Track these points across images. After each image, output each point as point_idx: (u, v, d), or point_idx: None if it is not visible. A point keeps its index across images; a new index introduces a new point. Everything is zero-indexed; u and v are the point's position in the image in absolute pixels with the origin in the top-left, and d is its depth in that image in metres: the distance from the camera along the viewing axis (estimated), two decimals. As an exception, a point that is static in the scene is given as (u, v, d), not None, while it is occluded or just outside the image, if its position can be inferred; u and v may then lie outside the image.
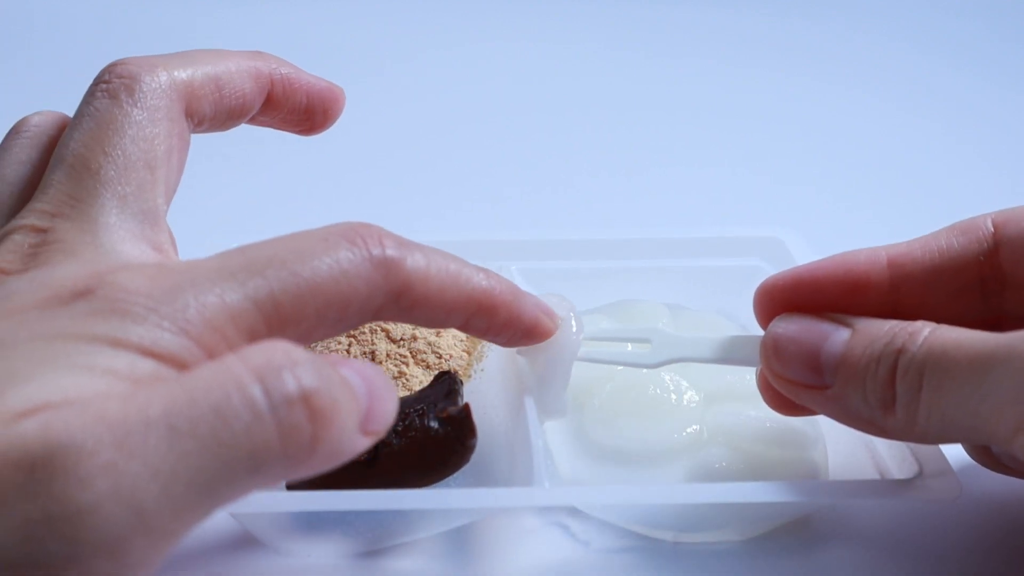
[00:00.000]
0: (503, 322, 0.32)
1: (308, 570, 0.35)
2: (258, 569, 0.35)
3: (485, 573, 0.35)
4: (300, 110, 0.37)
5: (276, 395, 0.23)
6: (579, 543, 0.37)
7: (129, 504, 0.21)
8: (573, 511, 0.37)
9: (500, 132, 0.74)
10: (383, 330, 0.42)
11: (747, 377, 0.41)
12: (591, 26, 0.94)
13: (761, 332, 0.35)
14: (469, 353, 0.44)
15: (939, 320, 0.31)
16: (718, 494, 0.34)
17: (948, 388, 0.29)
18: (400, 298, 0.28)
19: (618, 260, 0.48)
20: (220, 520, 0.36)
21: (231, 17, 0.90)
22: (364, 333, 0.42)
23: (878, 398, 0.31)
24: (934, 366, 0.30)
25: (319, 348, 0.42)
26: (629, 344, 0.39)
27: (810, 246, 0.47)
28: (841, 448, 0.38)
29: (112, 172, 0.30)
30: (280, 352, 0.23)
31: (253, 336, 0.25)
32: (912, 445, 0.35)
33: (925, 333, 0.30)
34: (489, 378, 0.42)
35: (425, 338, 0.43)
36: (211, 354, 0.25)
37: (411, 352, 0.42)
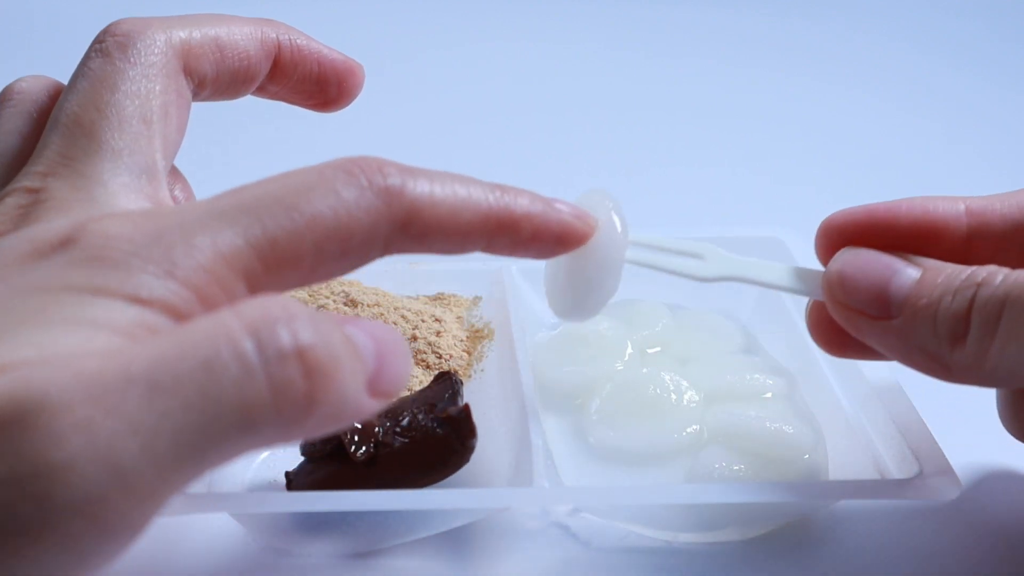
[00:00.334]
0: (529, 236, 0.29)
1: (308, 570, 0.35)
2: (258, 569, 0.35)
3: (485, 573, 0.35)
4: (312, 80, 0.35)
5: (269, 349, 0.22)
6: (579, 543, 0.37)
7: (106, 462, 0.20)
8: (573, 511, 0.37)
9: (500, 132, 0.74)
10: (383, 330, 0.42)
11: (747, 377, 0.41)
12: (591, 26, 0.94)
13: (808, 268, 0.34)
14: (469, 353, 0.44)
15: None
16: (718, 494, 0.34)
17: None
18: (408, 226, 0.26)
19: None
20: (220, 520, 0.36)
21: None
22: (364, 333, 0.42)
23: (949, 329, 0.30)
24: (1015, 301, 0.29)
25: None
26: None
27: (810, 246, 0.47)
28: (841, 448, 0.38)
29: (105, 127, 0.29)
30: (277, 306, 0.22)
31: (249, 277, 0.24)
32: (913, 444, 0.35)
33: (1006, 271, 0.30)
34: (489, 378, 0.42)
35: (425, 338, 0.43)
36: (204, 298, 0.24)
37: (411, 352, 0.42)
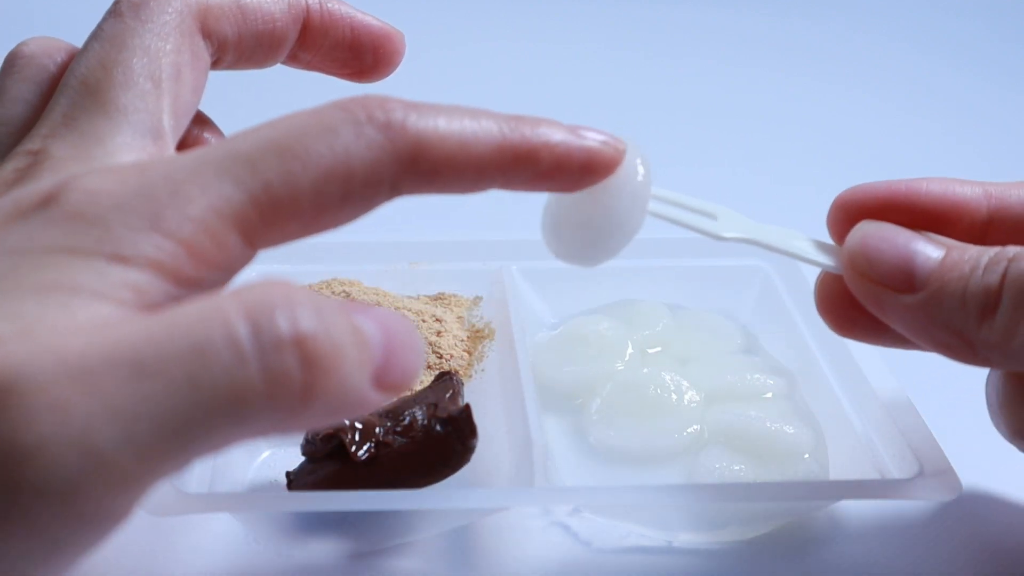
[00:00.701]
0: (550, 167, 0.27)
1: (308, 570, 0.35)
2: (258, 569, 0.35)
3: (485, 573, 0.35)
4: (345, 47, 0.33)
5: (265, 336, 0.20)
6: (579, 543, 0.37)
7: (80, 445, 0.19)
8: (573, 511, 0.37)
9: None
10: (383, 330, 0.42)
11: (747, 377, 0.41)
12: (591, 26, 0.94)
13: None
14: (470, 353, 0.44)
15: None
16: (718, 494, 0.34)
17: None
18: (416, 163, 0.24)
19: (618, 260, 0.47)
20: (220, 520, 0.36)
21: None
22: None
23: (979, 303, 0.29)
24: None
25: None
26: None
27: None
28: (841, 448, 0.38)
29: (109, 85, 0.27)
30: (279, 291, 0.21)
31: (244, 227, 0.23)
32: (913, 444, 0.35)
33: None
34: (489, 378, 0.42)
35: (426, 338, 0.43)
36: (194, 253, 0.22)
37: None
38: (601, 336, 0.43)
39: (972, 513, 0.38)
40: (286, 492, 0.36)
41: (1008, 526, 0.38)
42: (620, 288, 0.47)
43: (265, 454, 0.40)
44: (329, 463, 0.35)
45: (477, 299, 0.47)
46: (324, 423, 0.22)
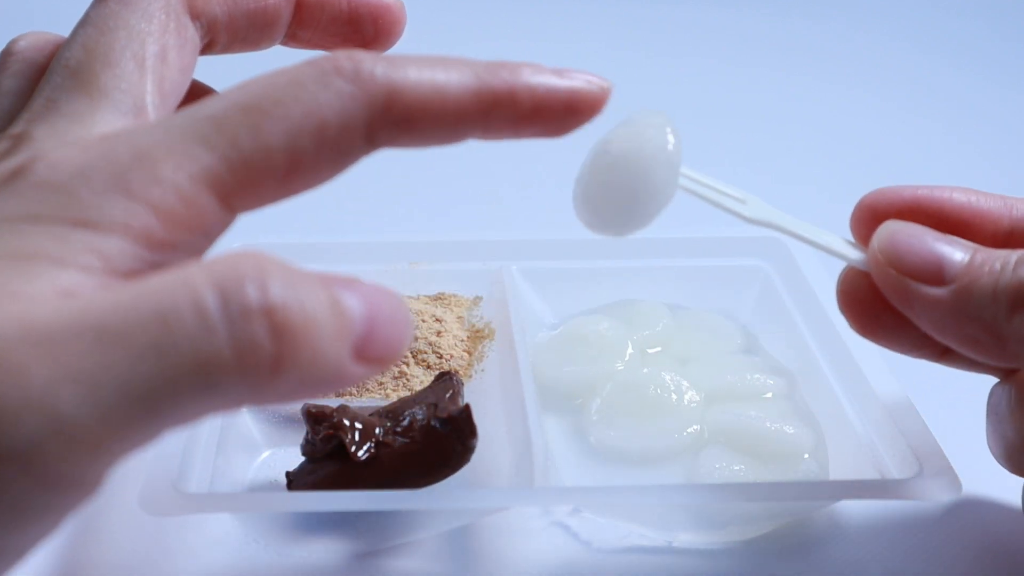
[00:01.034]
0: (531, 108, 0.26)
1: (308, 570, 0.35)
2: (258, 569, 0.35)
3: (485, 573, 0.35)
4: (343, 20, 0.33)
5: (233, 305, 0.20)
6: (579, 543, 0.37)
7: (41, 408, 0.19)
8: (573, 511, 0.37)
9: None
10: (383, 330, 0.42)
11: (747, 377, 0.41)
12: (591, 26, 0.94)
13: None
14: (469, 353, 0.44)
15: None
16: (718, 494, 0.34)
17: None
18: (389, 109, 0.24)
19: (618, 260, 0.48)
20: (220, 520, 0.36)
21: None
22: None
23: (1011, 295, 0.29)
24: None
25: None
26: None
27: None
28: (841, 448, 0.38)
29: (90, 67, 0.27)
30: (251, 260, 0.21)
31: (218, 188, 0.22)
32: (913, 444, 0.35)
33: None
34: (489, 378, 0.42)
35: (426, 338, 0.43)
36: (165, 215, 0.22)
37: (411, 352, 0.42)
38: (601, 336, 0.43)
39: (972, 513, 0.38)
40: (286, 492, 0.36)
41: (1008, 526, 0.38)
42: (620, 288, 0.47)
43: (265, 454, 0.40)
44: (329, 463, 0.35)
45: (477, 299, 0.47)
46: (302, 395, 0.21)
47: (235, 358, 0.20)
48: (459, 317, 0.46)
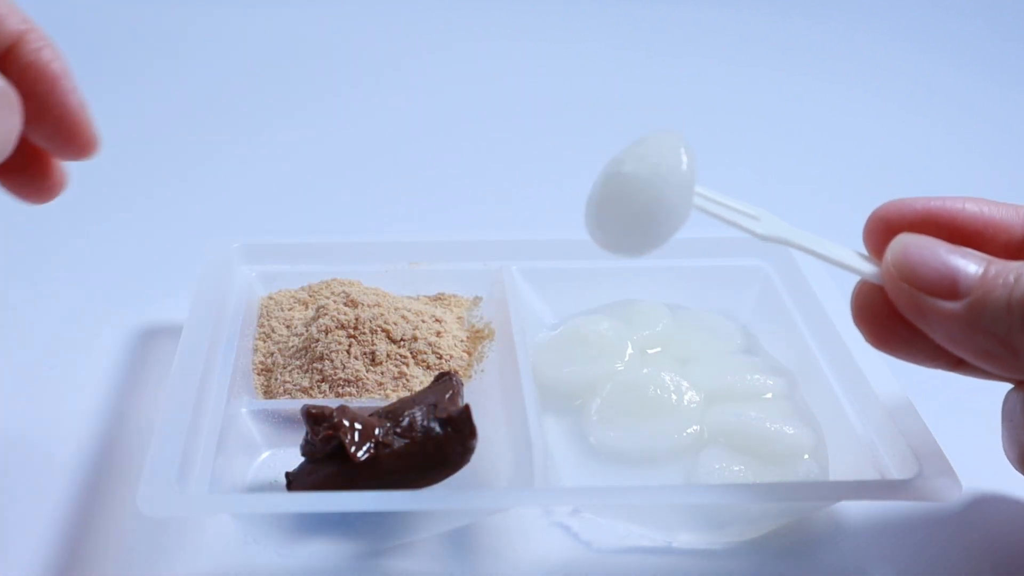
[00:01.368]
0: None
1: (308, 570, 0.35)
2: (258, 569, 0.35)
3: (485, 573, 0.35)
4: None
5: None
6: (579, 543, 0.37)
7: None
8: (573, 511, 0.37)
9: (500, 132, 0.73)
10: (384, 330, 0.42)
11: (747, 377, 0.41)
12: (591, 26, 0.94)
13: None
14: (469, 353, 0.44)
15: None
16: (718, 495, 0.34)
17: None
18: None
19: (618, 260, 0.47)
20: (220, 520, 0.36)
21: (231, 17, 0.90)
22: (365, 334, 0.42)
23: None
24: None
25: (328, 350, 0.42)
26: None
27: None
28: (841, 448, 0.38)
29: None
30: None
31: None
32: (913, 444, 0.35)
33: None
34: (489, 378, 0.42)
35: (425, 338, 0.43)
36: None
37: (411, 352, 0.42)
38: (601, 336, 0.43)
39: (972, 514, 0.38)
40: (286, 492, 0.36)
41: (1008, 527, 0.38)
42: (620, 288, 0.47)
43: (265, 455, 0.40)
44: (329, 463, 0.35)
45: (477, 299, 0.47)
46: None
47: None
48: (459, 317, 0.46)
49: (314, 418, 0.36)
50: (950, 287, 0.30)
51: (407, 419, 0.36)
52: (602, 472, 0.39)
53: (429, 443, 0.35)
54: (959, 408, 0.39)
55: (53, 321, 0.48)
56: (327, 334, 0.42)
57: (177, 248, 0.55)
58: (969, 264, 0.31)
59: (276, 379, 0.42)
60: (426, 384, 0.40)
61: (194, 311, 0.41)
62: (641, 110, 0.78)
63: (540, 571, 0.36)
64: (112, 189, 0.61)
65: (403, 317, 0.43)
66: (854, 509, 0.38)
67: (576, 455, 0.39)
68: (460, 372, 0.42)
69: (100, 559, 0.35)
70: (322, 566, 0.35)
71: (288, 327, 0.45)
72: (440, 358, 0.43)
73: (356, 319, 0.43)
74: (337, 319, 0.43)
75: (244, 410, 0.40)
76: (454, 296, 0.47)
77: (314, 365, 0.42)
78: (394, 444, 0.35)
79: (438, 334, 0.43)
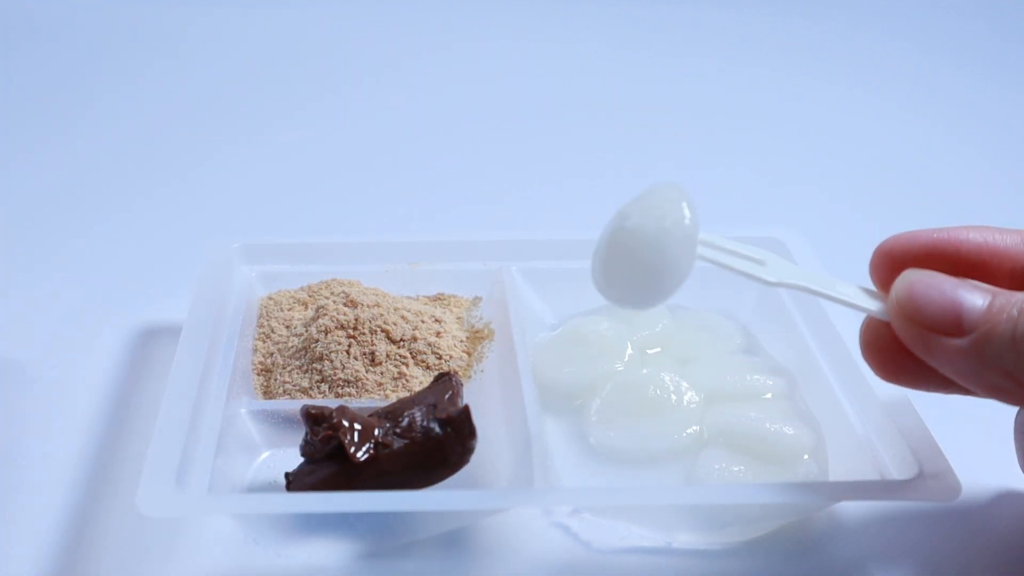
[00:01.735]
0: None
1: (308, 571, 0.35)
2: (258, 569, 0.35)
3: (485, 573, 0.35)
4: None
5: None
6: (579, 543, 0.37)
7: None
8: (573, 512, 0.37)
9: (500, 132, 0.73)
10: (383, 330, 0.42)
11: (747, 377, 0.41)
12: (591, 26, 0.94)
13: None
14: (469, 354, 0.44)
15: None
16: (718, 495, 0.34)
17: None
18: None
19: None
20: (220, 520, 0.36)
21: (231, 17, 0.90)
22: (364, 334, 0.42)
23: None
24: None
25: (325, 348, 0.42)
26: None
27: (811, 246, 0.47)
28: (841, 449, 0.38)
29: None
30: None
31: None
32: (912, 445, 0.35)
33: None
34: (489, 378, 0.42)
35: (425, 339, 0.43)
36: None
37: (411, 352, 0.42)
38: (601, 336, 0.43)
39: (972, 514, 0.38)
40: (286, 493, 0.36)
41: (1007, 527, 0.38)
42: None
43: (264, 455, 0.40)
44: (328, 464, 0.35)
45: (477, 299, 0.47)
46: None
47: None
48: (459, 318, 0.46)
49: (314, 418, 0.36)
50: (955, 324, 0.31)
51: (407, 419, 0.36)
52: (602, 472, 0.39)
53: (429, 443, 0.35)
54: (959, 408, 0.39)
55: (53, 321, 0.48)
56: (327, 334, 0.42)
57: (177, 248, 0.55)
58: (975, 298, 0.31)
59: (276, 379, 0.42)
60: (426, 384, 0.40)
61: (194, 311, 0.41)
62: (641, 110, 0.78)
63: (540, 571, 0.36)
64: (112, 189, 0.61)
65: (403, 317, 0.43)
66: (854, 509, 0.38)
67: (576, 455, 0.39)
68: (460, 372, 0.42)
69: (99, 559, 0.35)
70: (321, 566, 0.35)
71: (288, 327, 0.45)
72: (440, 358, 0.43)
73: (356, 319, 0.43)
74: (337, 319, 0.43)
75: (244, 410, 0.40)
76: (454, 296, 0.47)
77: (314, 365, 0.42)
78: (394, 444, 0.35)
79: (438, 334, 0.43)
